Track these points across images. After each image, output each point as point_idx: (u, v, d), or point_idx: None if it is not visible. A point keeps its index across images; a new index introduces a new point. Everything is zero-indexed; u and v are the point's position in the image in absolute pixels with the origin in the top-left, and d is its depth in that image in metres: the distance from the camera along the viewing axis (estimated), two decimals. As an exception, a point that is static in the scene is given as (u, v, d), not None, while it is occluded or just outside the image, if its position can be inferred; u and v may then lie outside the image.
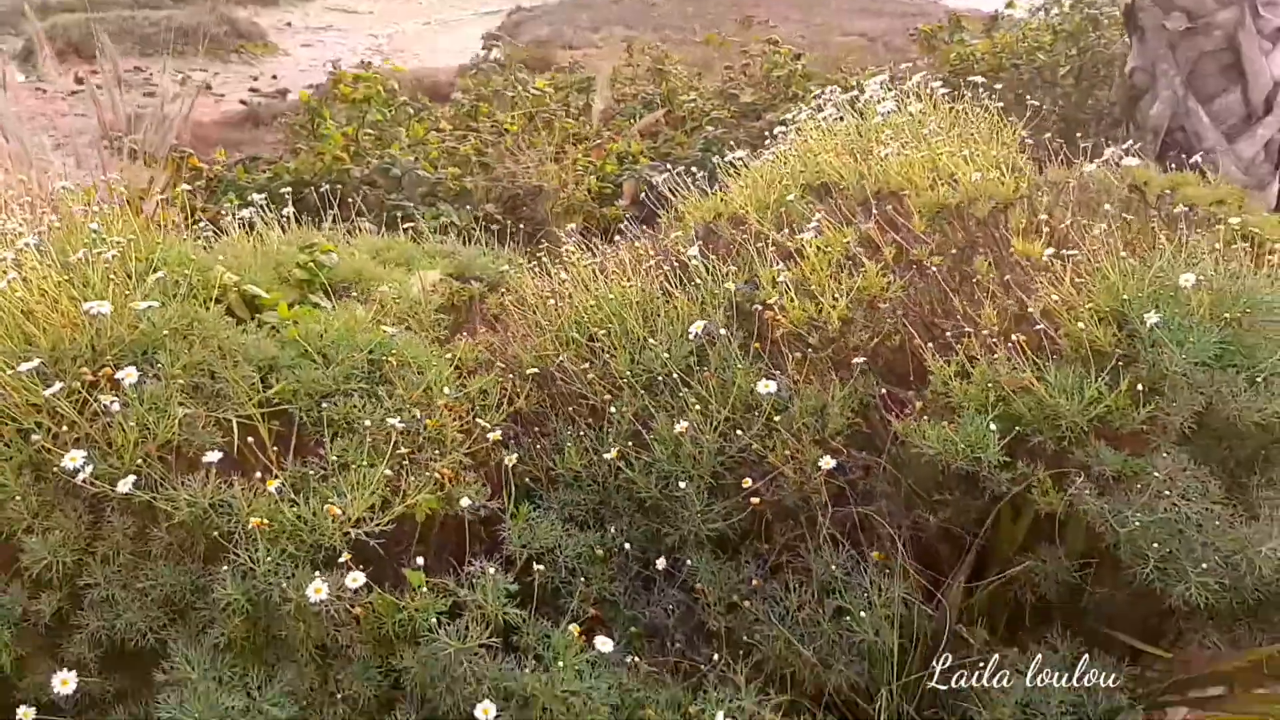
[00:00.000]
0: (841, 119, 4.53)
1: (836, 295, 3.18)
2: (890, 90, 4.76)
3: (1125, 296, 2.94)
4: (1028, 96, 8.06)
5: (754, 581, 2.91)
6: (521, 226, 5.40)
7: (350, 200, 5.86)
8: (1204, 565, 2.64)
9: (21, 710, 2.54)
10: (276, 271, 3.53)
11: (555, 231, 4.99)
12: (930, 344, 3.07)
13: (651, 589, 3.00)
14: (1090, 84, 7.77)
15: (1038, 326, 2.98)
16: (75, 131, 9.58)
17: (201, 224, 4.14)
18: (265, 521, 2.54)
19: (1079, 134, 7.68)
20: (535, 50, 14.94)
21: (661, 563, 2.97)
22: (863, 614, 2.79)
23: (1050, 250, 3.16)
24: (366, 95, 6.55)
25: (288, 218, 4.30)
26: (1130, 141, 6.18)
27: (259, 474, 2.65)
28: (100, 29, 14.43)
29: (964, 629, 2.86)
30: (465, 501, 2.80)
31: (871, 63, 10.81)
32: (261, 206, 4.22)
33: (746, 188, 4.01)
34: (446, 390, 2.97)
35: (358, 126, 6.34)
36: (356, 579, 2.53)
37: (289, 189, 5.38)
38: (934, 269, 3.31)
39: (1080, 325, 2.93)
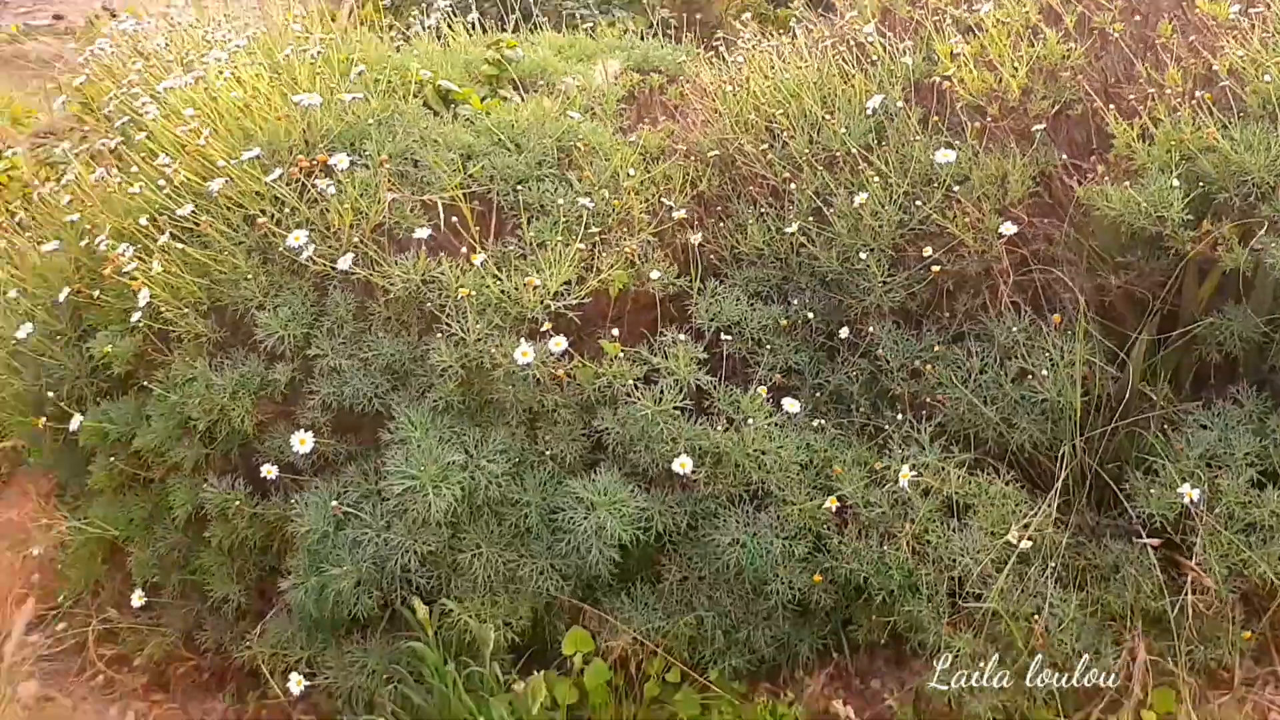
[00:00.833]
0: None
1: (1016, 64, 3.16)
2: None
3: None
4: None
5: (936, 348, 3.00)
6: (696, 29, 5.40)
7: (530, 9, 5.94)
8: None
9: (266, 468, 2.82)
10: (465, 70, 3.66)
11: (731, 23, 4.98)
12: (1112, 109, 3.04)
13: (835, 358, 3.11)
14: None
15: (1223, 84, 2.93)
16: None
17: (393, 31, 4.29)
18: (472, 292, 2.72)
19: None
20: None
21: (844, 332, 3.07)
22: (1045, 374, 2.85)
23: (1237, 8, 3.07)
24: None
25: (472, 24, 4.42)
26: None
27: (464, 251, 2.82)
28: None
29: (1147, 386, 2.90)
30: (655, 274, 2.94)
31: None
32: (447, 11, 4.35)
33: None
34: (632, 172, 3.08)
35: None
36: (559, 343, 2.71)
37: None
38: (1116, 35, 3.25)
39: (1267, 81, 2.87)
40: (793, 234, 3.13)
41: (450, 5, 5.51)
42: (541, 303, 2.79)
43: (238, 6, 4.03)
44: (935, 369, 2.97)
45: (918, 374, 3.00)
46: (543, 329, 2.78)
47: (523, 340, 2.71)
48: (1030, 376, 2.88)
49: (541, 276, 2.81)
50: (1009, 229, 2.92)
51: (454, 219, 2.89)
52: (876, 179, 3.07)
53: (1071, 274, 2.99)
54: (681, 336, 2.91)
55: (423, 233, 2.81)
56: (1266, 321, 2.88)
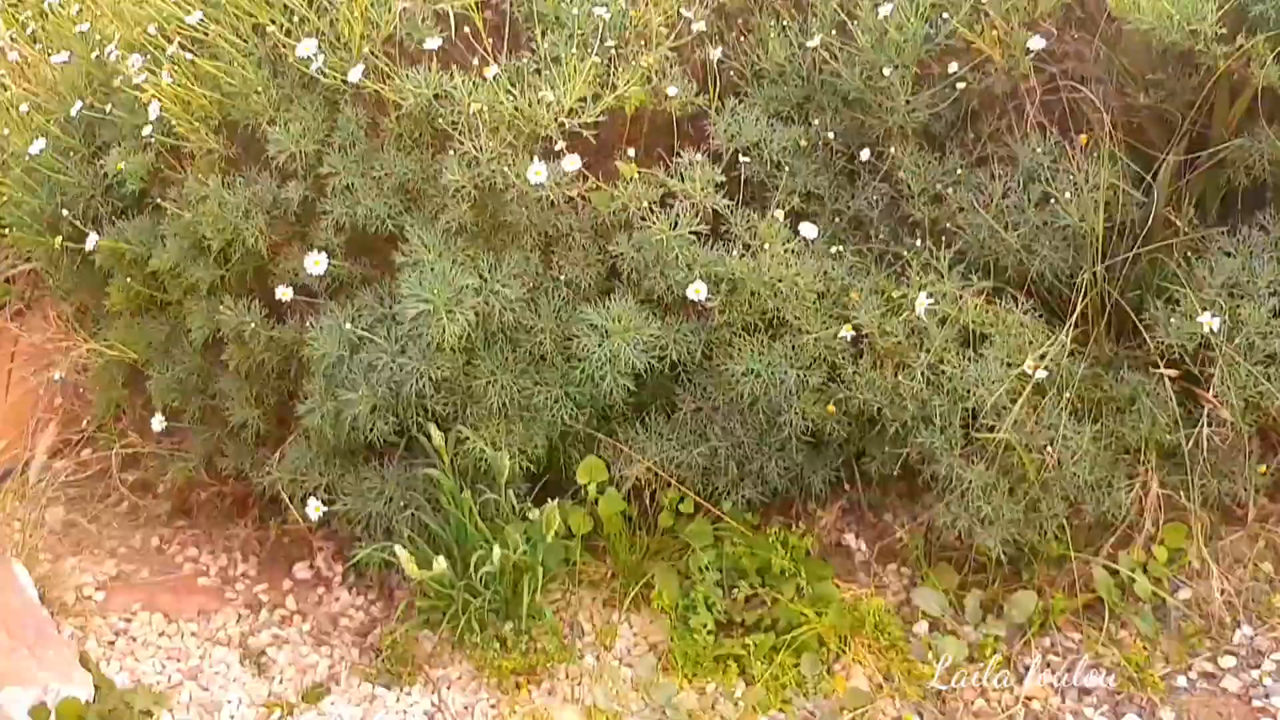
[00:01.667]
0: None
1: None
2: None
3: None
4: None
5: (959, 171, 2.91)
6: None
7: None
8: None
9: (280, 290, 2.79)
10: None
11: None
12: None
13: (855, 182, 3.03)
14: None
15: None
16: None
17: None
18: (484, 108, 2.63)
19: None
20: None
21: (865, 154, 2.98)
22: (1068, 197, 2.77)
23: None
24: None
25: None
26: None
27: (476, 65, 2.73)
28: None
29: (1171, 212, 2.82)
30: (672, 90, 2.84)
31: None
32: None
33: None
34: (646, -18, 2.95)
35: None
36: (573, 162, 2.63)
37: None
38: None
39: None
40: (815, 49, 3.01)
41: None
42: (556, 120, 2.71)
43: None
44: (957, 193, 2.89)
45: (939, 199, 2.92)
46: (557, 148, 2.70)
47: (536, 159, 2.63)
48: (1053, 201, 2.80)
49: (556, 92, 2.72)
50: (1037, 43, 2.80)
51: (466, 29, 2.78)
52: (899, -10, 2.93)
53: (1100, 93, 2.88)
54: (699, 158, 2.83)
55: (433, 43, 2.71)
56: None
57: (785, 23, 3.11)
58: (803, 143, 2.98)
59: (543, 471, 2.86)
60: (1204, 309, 2.64)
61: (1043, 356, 2.64)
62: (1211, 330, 2.59)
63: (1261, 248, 2.75)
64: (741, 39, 3.14)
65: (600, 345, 2.65)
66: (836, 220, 2.99)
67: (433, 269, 2.61)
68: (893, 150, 2.96)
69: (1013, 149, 2.89)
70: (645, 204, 2.75)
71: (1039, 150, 2.85)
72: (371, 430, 2.70)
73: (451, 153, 2.67)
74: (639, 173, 2.80)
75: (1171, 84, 2.84)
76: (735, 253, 2.75)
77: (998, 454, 2.63)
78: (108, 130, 3.11)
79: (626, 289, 2.77)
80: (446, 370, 2.67)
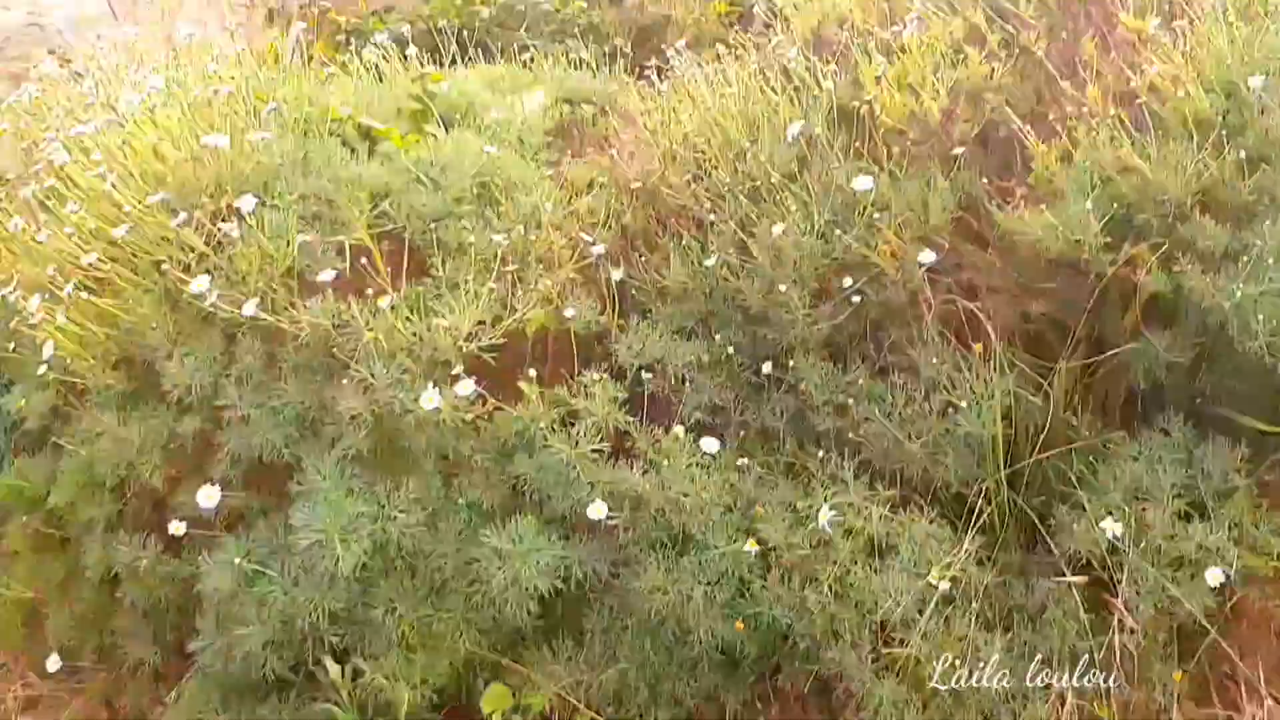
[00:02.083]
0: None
1: (937, 87, 3.09)
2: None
3: (1230, 63, 2.79)
4: None
5: (861, 381, 2.92)
6: (653, 58, 5.32)
7: (483, 42, 5.87)
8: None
9: (173, 524, 2.74)
10: (396, 106, 3.59)
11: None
12: (1033, 130, 2.97)
13: (761, 394, 3.04)
14: None
15: (1139, 101, 2.86)
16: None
17: (329, 70, 4.20)
18: (380, 336, 2.65)
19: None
20: None
21: (768, 367, 3.00)
22: (967, 406, 2.78)
23: (1157, 21, 3.00)
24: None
25: (410, 57, 4.34)
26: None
27: (372, 293, 2.75)
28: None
29: (1072, 416, 2.83)
30: (569, 312, 2.87)
31: None
32: (385, 47, 4.27)
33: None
34: (549, 207, 3.01)
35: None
36: (467, 386, 2.63)
37: (411, 27, 5.44)
38: (1040, 54, 3.18)
39: (1184, 96, 2.80)
40: (714, 267, 3.06)
41: (390, 39, 5.44)
42: (455, 345, 2.72)
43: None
44: (860, 404, 2.90)
45: (843, 409, 2.93)
46: (455, 372, 2.70)
47: (431, 385, 2.63)
48: (953, 409, 2.80)
49: (454, 318, 2.74)
50: (927, 257, 2.85)
51: (363, 260, 2.82)
52: (796, 208, 3.00)
53: (995, 302, 2.93)
54: (602, 376, 2.83)
55: (328, 275, 2.73)
56: (1192, 347, 2.81)
57: (688, 242, 3.17)
58: (705, 357, 3.00)
59: (447, 700, 2.77)
60: (1109, 514, 2.63)
61: (948, 566, 2.61)
62: (1115, 536, 2.57)
63: (1164, 451, 2.75)
64: (644, 259, 3.19)
65: (501, 568, 2.61)
66: (743, 433, 2.99)
67: (327, 498, 2.58)
68: (796, 363, 2.98)
69: (913, 359, 2.92)
70: (547, 423, 2.74)
71: (938, 360, 2.88)
72: (265, 666, 2.62)
73: (347, 381, 2.66)
74: (541, 393, 2.81)
75: (1064, 291, 2.89)
76: (639, 469, 2.73)
77: (909, 667, 2.56)
78: (12, 368, 3.11)
79: (529, 510, 2.74)
80: (342, 601, 2.61)
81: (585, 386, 2.81)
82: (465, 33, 6.06)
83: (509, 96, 3.73)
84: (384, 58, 4.13)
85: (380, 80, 3.96)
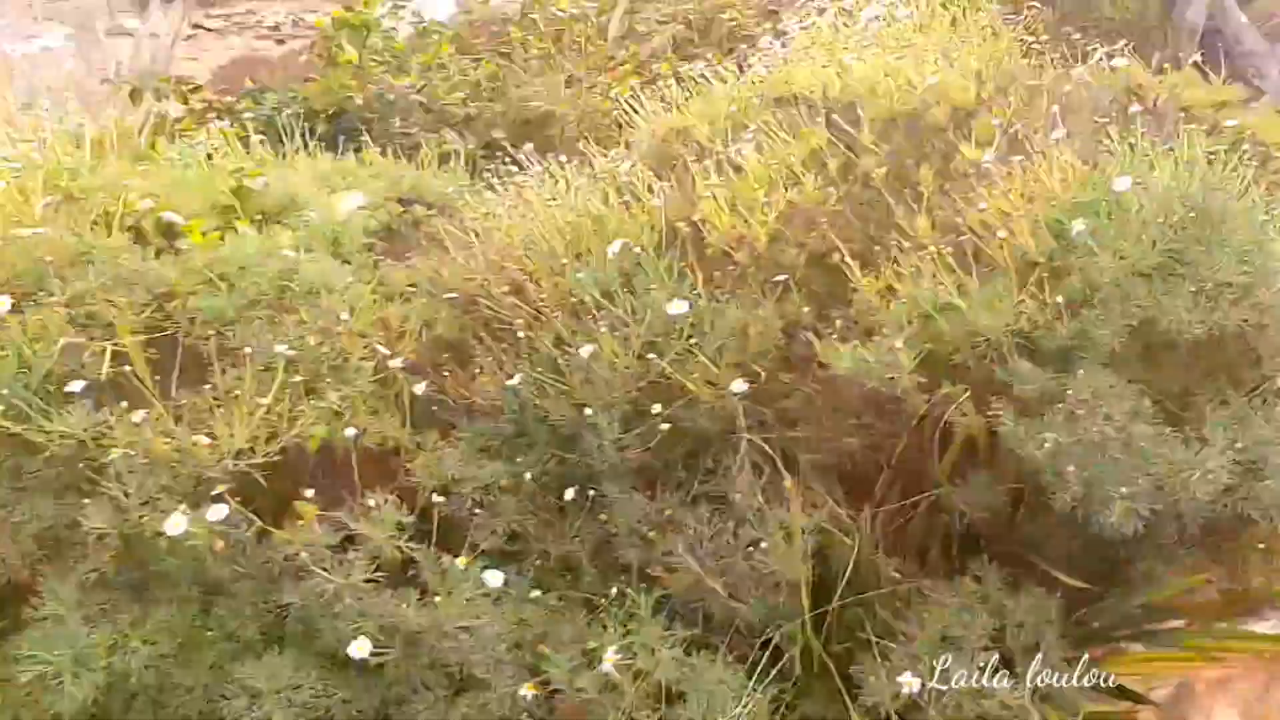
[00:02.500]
0: (843, 27, 4.30)
1: (766, 209, 3.00)
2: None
3: (1056, 203, 2.73)
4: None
5: (668, 511, 2.78)
6: (524, 155, 5.25)
7: (356, 129, 5.76)
8: (1124, 490, 2.44)
9: (-97, 652, 2.52)
10: (210, 200, 3.43)
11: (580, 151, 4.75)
12: (859, 260, 2.88)
13: (565, 521, 2.88)
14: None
15: (962, 238, 2.79)
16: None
17: (168, 156, 4.04)
18: (135, 450, 2.47)
19: (1128, 40, 7.30)
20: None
21: (571, 493, 2.84)
22: (776, 544, 2.65)
23: (990, 156, 2.94)
24: (363, 20, 6.41)
25: (253, 144, 4.20)
26: (1167, 45, 5.85)
27: (126, 405, 2.57)
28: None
29: (881, 559, 2.71)
30: (350, 432, 2.70)
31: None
32: (224, 133, 4.13)
33: (714, 100, 3.81)
34: (344, 317, 2.86)
35: (360, 52, 6.22)
36: (220, 511, 2.45)
37: (282, 111, 5.33)
38: (877, 180, 3.11)
39: (1011, 235, 2.73)
40: (524, 385, 2.92)
41: (260, 118, 5.32)
42: (219, 462, 2.54)
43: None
44: (665, 535, 2.76)
45: (649, 540, 2.78)
46: (217, 492, 2.52)
47: (180, 508, 2.45)
48: (760, 546, 2.67)
49: (225, 433, 2.57)
50: (739, 386, 2.73)
51: (127, 367, 2.64)
52: (607, 329, 2.87)
53: (811, 435, 2.81)
54: (388, 498, 2.67)
55: (77, 385, 2.55)
56: (1009, 493, 2.70)
57: (500, 357, 3.03)
58: (504, 481, 2.85)
59: None
60: (913, 664, 2.50)
61: (737, 717, 2.45)
62: (913, 690, 2.43)
63: (976, 598, 2.64)
64: (453, 372, 3.05)
65: (250, 707, 2.41)
66: (542, 562, 2.83)
67: (59, 626, 2.37)
68: (604, 489, 2.83)
69: (725, 490, 2.79)
70: (322, 548, 2.56)
71: (749, 492, 2.75)
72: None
73: (95, 499, 2.47)
74: (319, 515, 2.63)
75: (882, 428, 2.78)
76: (417, 601, 2.56)
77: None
78: None
79: (295, 643, 2.55)
80: (69, 744, 2.39)
81: (368, 509, 2.64)
82: (340, 119, 5.98)
83: (337, 193, 3.59)
84: (214, 148, 3.99)
85: (209, 168, 3.81)
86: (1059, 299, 2.64)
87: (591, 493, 2.84)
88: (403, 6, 7.11)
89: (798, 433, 2.83)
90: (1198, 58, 5.60)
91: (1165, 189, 2.76)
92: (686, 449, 2.89)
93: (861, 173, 3.18)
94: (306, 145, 4.40)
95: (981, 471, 2.72)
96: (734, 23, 8.09)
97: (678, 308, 2.81)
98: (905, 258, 2.83)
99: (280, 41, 12.69)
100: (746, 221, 3.03)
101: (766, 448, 2.80)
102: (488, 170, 3.92)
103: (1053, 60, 4.05)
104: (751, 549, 2.68)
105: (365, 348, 2.91)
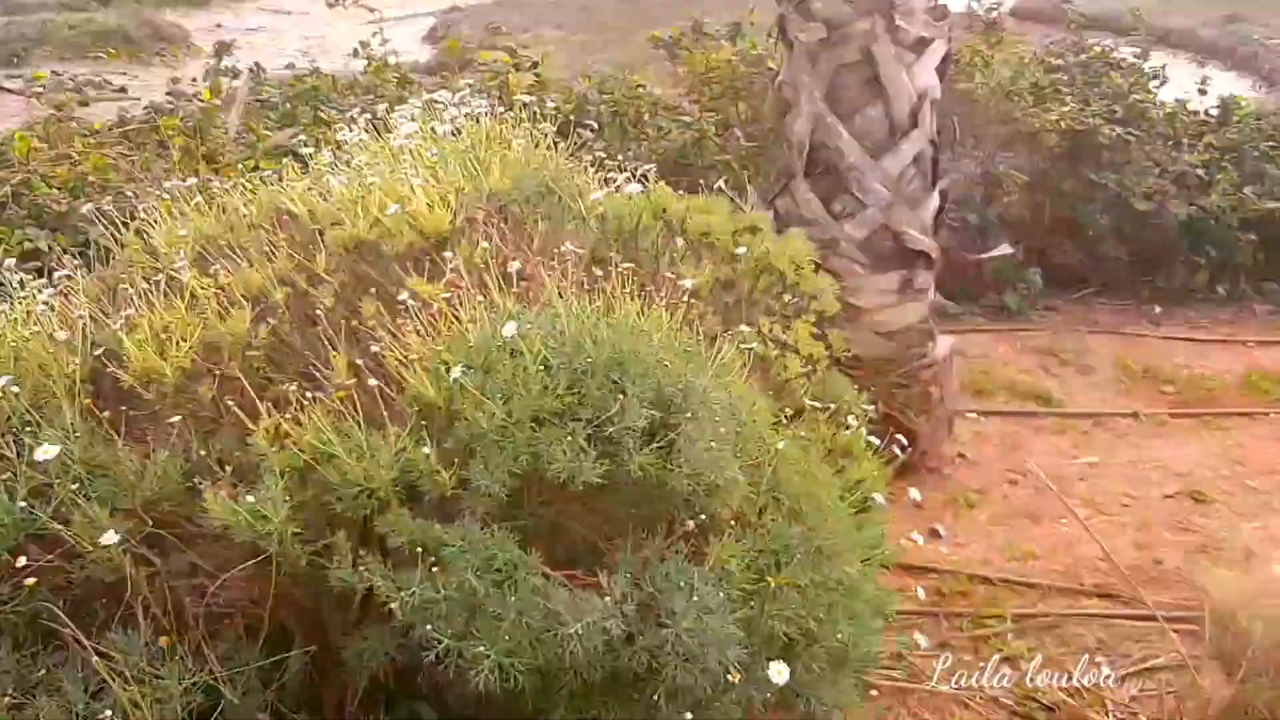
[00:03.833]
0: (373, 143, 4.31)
1: (182, 344, 2.95)
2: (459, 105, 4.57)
3: (445, 346, 2.76)
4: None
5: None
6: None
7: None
8: (495, 647, 2.43)
9: None
10: None
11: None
12: (274, 400, 2.85)
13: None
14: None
15: (372, 382, 2.78)
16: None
17: None
18: None
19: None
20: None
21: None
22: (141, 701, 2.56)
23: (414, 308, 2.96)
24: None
25: None
26: (781, 160, 6.07)
27: None
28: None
29: (293, 714, 2.65)
30: None
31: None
32: None
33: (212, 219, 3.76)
34: None
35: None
36: None
37: None
38: (322, 313, 3.09)
39: (413, 379, 2.74)
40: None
41: None
42: None
43: None
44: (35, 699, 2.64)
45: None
46: None
47: None
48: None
49: None
50: (110, 538, 2.65)
51: None
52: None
53: (201, 587, 2.75)
54: None
55: None
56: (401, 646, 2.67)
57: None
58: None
59: None
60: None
61: None
62: None
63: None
64: None
65: None
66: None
67: None
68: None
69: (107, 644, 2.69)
70: None
71: (128, 651, 2.65)
72: None
73: None
74: None
75: (267, 581, 2.73)
76: None
77: None
78: None
79: None
80: None
81: None
82: None
83: None
84: None
85: None
86: (447, 445, 2.65)
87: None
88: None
89: (196, 581, 2.76)
90: (801, 171, 5.88)
91: (574, 332, 2.82)
92: (74, 600, 2.78)
93: (310, 304, 3.16)
94: None
95: (374, 625, 2.69)
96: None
97: (45, 452, 2.71)
98: (312, 399, 2.81)
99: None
100: (163, 355, 2.97)
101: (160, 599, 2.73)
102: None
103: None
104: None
105: None
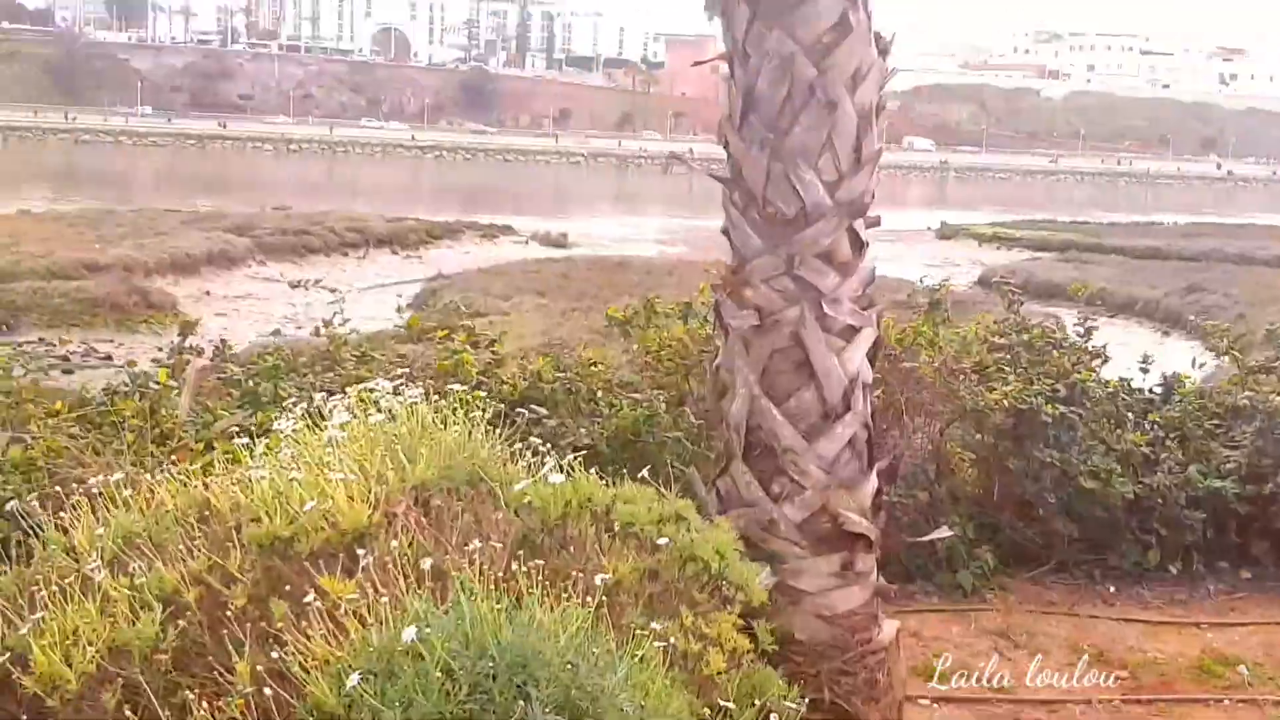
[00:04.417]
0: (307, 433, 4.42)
1: (89, 647, 2.98)
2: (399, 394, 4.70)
3: (347, 650, 2.80)
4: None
5: None
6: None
7: None
8: None
9: None
10: None
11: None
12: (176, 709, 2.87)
13: None
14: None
15: (267, 691, 2.81)
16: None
17: None
18: None
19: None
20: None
21: None
22: None
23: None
24: None
25: None
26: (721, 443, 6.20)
27: None
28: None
29: None
30: None
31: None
32: None
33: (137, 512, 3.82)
34: None
35: None
36: None
37: None
38: (233, 614, 3.14)
39: (310, 685, 2.77)
40: None
41: None
42: None
43: None
44: None
45: None
46: None
47: None
48: None
49: None
50: None
51: None
52: None
53: None
54: None
55: None
56: None
57: None
58: None
59: None
60: None
61: None
62: None
63: None
64: None
65: None
66: None
67: None
68: None
69: None
70: None
71: None
72: None
73: None
74: None
75: None
76: None
77: None
78: None
79: None
80: None
81: None
82: None
83: None
84: None
85: None
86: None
87: None
88: None
89: None
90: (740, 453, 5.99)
91: (478, 634, 2.87)
92: None
93: (223, 604, 3.21)
94: None
95: None
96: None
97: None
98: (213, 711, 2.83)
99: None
100: (69, 661, 2.99)
101: None
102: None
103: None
104: None
105: None
